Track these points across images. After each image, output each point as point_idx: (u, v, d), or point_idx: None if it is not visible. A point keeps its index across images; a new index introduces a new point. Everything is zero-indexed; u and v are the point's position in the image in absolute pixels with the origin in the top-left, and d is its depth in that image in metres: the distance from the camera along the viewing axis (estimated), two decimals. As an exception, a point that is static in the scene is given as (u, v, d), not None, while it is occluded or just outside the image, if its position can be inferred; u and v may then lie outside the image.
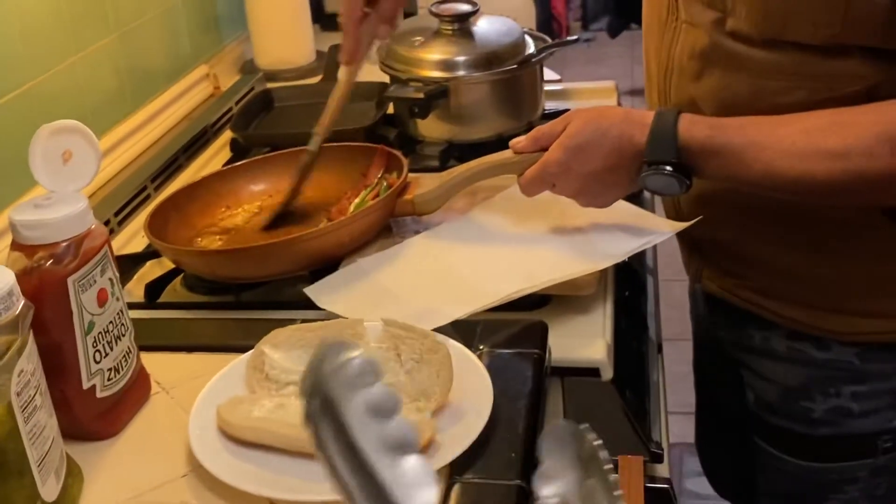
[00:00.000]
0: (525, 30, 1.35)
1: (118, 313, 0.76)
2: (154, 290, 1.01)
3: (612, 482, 0.38)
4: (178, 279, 1.04)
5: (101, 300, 0.73)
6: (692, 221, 0.98)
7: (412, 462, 0.29)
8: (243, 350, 0.82)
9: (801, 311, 0.96)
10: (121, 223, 1.20)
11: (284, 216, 1.10)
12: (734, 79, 0.88)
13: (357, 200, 1.05)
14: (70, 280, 0.70)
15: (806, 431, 1.01)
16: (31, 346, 0.64)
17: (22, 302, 0.62)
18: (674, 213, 1.03)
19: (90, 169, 0.74)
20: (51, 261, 0.70)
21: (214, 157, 1.42)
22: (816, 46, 0.81)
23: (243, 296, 1.00)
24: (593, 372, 0.87)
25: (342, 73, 1.11)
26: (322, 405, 0.29)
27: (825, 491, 1.03)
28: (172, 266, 1.04)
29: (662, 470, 0.87)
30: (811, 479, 1.03)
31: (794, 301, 0.97)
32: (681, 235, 1.08)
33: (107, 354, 0.74)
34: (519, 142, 0.97)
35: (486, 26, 1.32)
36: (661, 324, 1.18)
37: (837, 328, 0.95)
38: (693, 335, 1.28)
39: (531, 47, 1.32)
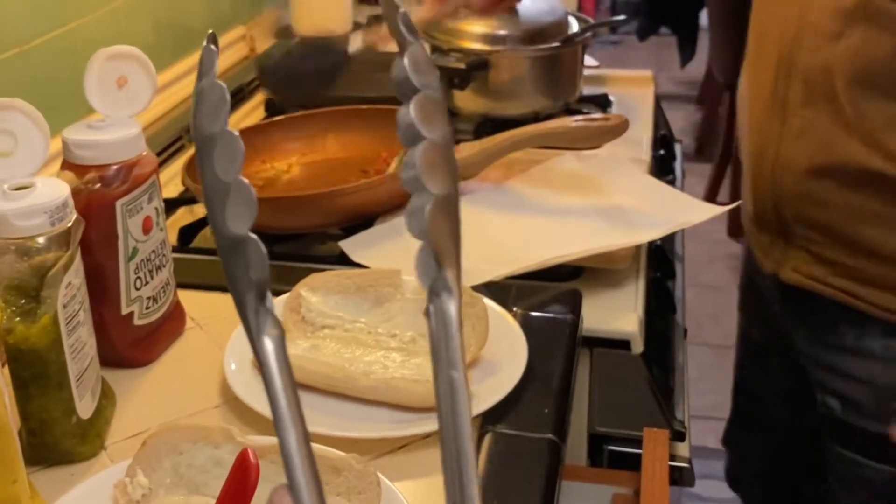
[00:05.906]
0: (568, 11, 1.35)
1: (161, 243, 0.76)
2: (188, 234, 1.01)
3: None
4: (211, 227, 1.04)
5: (146, 228, 0.74)
6: (731, 206, 0.97)
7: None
8: (277, 294, 0.82)
9: None
10: (154, 170, 1.20)
11: (318, 173, 1.10)
12: (877, 39, 0.83)
13: (398, 159, 1.05)
14: (118, 204, 0.71)
15: None
16: (79, 262, 0.64)
17: (74, 215, 0.63)
18: (770, 192, 0.97)
19: (145, 96, 0.74)
20: (100, 183, 0.70)
21: (248, 115, 1.41)
22: None
23: (275, 248, 1.00)
24: (623, 344, 0.87)
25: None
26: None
27: None
28: (206, 213, 1.04)
29: (684, 449, 0.88)
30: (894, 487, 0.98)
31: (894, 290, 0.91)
32: (762, 219, 1.00)
33: (147, 283, 0.75)
34: None
35: (530, 4, 1.32)
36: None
37: None
38: (741, 333, 1.23)
39: (574, 28, 1.32)
